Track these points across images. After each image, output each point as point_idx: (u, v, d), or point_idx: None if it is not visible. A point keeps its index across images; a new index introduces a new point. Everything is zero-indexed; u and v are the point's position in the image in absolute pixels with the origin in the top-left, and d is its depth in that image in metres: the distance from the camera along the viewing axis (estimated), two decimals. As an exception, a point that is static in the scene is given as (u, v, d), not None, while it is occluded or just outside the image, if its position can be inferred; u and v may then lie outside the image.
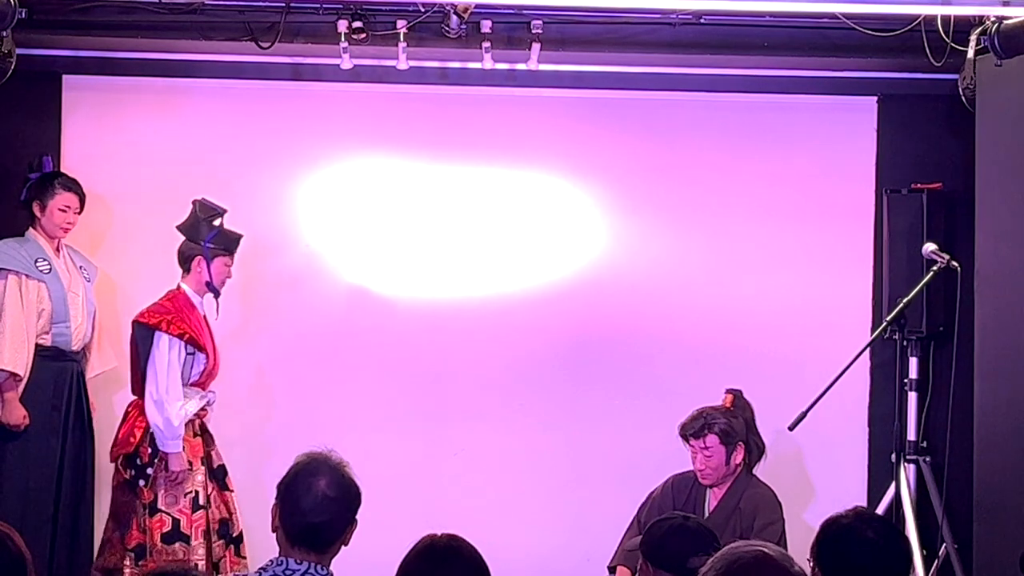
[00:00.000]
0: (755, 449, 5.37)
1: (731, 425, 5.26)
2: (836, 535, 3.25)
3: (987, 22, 5.18)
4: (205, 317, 5.62)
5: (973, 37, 5.38)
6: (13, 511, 5.41)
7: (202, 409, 5.60)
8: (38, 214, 5.70)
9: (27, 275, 5.61)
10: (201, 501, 5.47)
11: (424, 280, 6.33)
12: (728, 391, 5.47)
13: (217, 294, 5.62)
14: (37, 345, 5.61)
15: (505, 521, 6.10)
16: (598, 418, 6.18)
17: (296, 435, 5.80)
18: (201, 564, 5.38)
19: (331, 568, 3.29)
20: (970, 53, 5.42)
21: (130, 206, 6.20)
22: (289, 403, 5.92)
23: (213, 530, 5.51)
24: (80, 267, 5.82)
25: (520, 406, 6.31)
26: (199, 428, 5.60)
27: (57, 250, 5.75)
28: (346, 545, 3.31)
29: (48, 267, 5.66)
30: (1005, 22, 5.02)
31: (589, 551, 6.12)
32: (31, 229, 5.73)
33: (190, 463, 5.48)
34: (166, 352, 5.44)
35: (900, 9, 5.41)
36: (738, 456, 5.27)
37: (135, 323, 5.53)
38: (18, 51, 5.66)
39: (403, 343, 6.31)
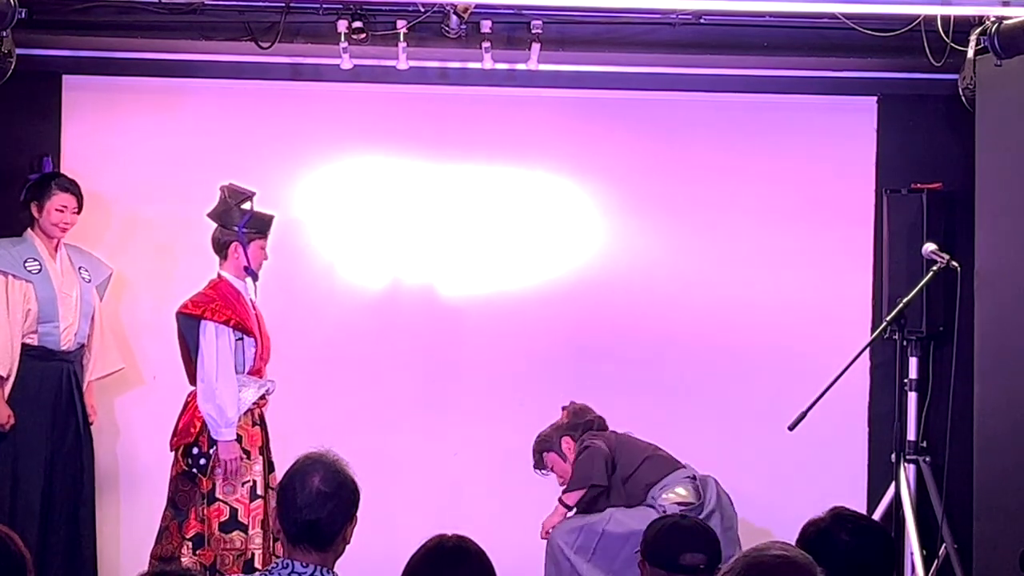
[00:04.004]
0: (589, 425, 5.66)
1: (545, 437, 5.68)
2: (813, 539, 3.27)
3: (987, 22, 5.19)
4: (251, 301, 5.61)
5: (973, 37, 5.38)
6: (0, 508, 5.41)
7: (261, 398, 5.57)
8: (36, 215, 5.69)
9: (13, 275, 5.59)
10: (259, 491, 5.47)
11: (424, 280, 6.33)
12: (563, 407, 5.77)
13: (256, 277, 5.60)
14: (24, 344, 5.60)
15: (506, 521, 6.09)
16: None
17: (296, 435, 5.78)
18: (258, 553, 5.39)
19: (335, 570, 3.29)
20: (970, 53, 5.42)
21: (130, 206, 6.20)
22: (288, 403, 5.91)
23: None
24: (79, 268, 5.80)
25: (520, 405, 6.31)
26: (258, 418, 5.57)
27: (55, 250, 5.74)
28: (348, 543, 3.30)
29: (38, 267, 5.64)
30: (1005, 22, 5.02)
31: (589, 551, 6.12)
32: (29, 230, 5.73)
33: (248, 452, 5.46)
34: (213, 340, 5.41)
35: (900, 9, 5.41)
36: (567, 449, 5.61)
37: (178, 315, 5.48)
38: (18, 51, 5.67)
39: (403, 342, 6.31)
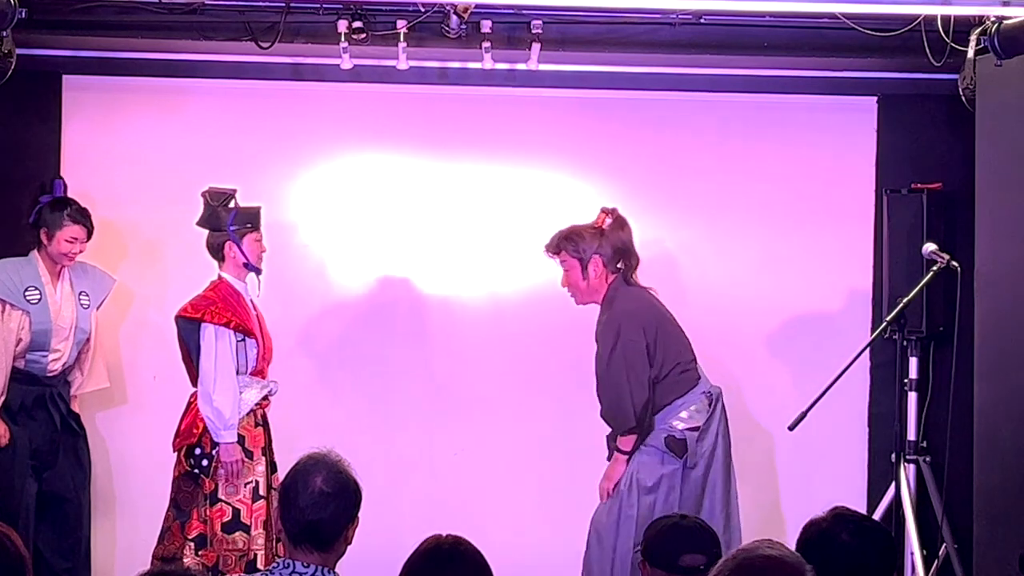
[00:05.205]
0: (627, 262, 5.43)
1: (581, 238, 5.35)
2: (814, 539, 3.29)
3: (987, 22, 5.18)
4: (252, 301, 5.61)
5: (973, 37, 5.38)
6: None
7: (264, 399, 5.57)
8: (45, 241, 5.65)
9: (12, 304, 5.57)
10: (261, 491, 5.46)
11: (424, 280, 6.33)
12: (603, 209, 5.47)
13: (258, 271, 5.60)
14: (12, 368, 5.58)
15: (506, 521, 6.10)
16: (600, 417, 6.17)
17: (296, 435, 5.79)
18: (261, 554, 5.39)
19: (336, 571, 3.29)
20: (970, 53, 5.42)
21: (130, 207, 6.20)
22: (290, 403, 5.91)
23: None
24: (80, 293, 5.76)
25: (521, 405, 6.31)
26: (260, 418, 5.57)
27: (58, 276, 5.71)
28: (349, 544, 3.31)
29: (38, 297, 5.61)
30: (1005, 22, 5.01)
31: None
32: (35, 251, 5.69)
33: (250, 453, 5.46)
34: (213, 342, 5.40)
35: (900, 9, 5.41)
36: (594, 270, 5.35)
37: (178, 318, 5.48)
38: (18, 51, 5.65)
39: (404, 342, 6.31)
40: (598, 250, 5.35)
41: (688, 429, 5.27)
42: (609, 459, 5.44)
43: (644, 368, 5.27)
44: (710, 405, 5.34)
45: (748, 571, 2.59)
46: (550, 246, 5.45)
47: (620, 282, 5.41)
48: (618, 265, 5.41)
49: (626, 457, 5.29)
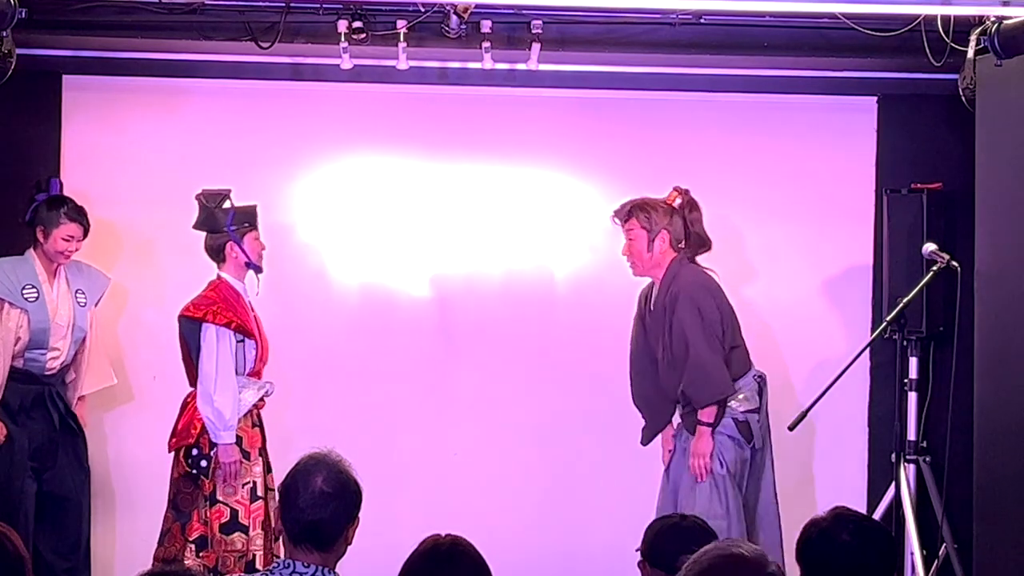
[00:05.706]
0: (696, 242, 5.50)
1: (654, 210, 5.43)
2: (815, 538, 3.30)
3: (987, 22, 5.18)
4: (250, 302, 5.61)
5: (973, 37, 5.38)
6: None
7: (260, 400, 5.57)
8: (41, 239, 5.63)
9: (10, 303, 5.57)
10: (259, 492, 5.47)
11: (424, 280, 6.33)
12: (675, 188, 5.54)
13: (259, 270, 5.61)
14: (10, 367, 5.58)
15: (505, 521, 6.10)
16: (600, 416, 6.18)
17: (295, 437, 5.80)
18: (259, 555, 5.39)
19: (336, 571, 3.29)
20: (970, 53, 5.42)
21: (130, 207, 6.20)
22: (287, 404, 5.92)
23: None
24: (76, 291, 5.75)
25: (521, 405, 6.31)
26: (257, 419, 5.58)
27: (54, 275, 5.70)
28: (350, 544, 3.31)
29: (36, 295, 5.60)
30: (1005, 22, 5.01)
31: (591, 551, 6.12)
32: (31, 250, 5.69)
33: (248, 454, 5.47)
34: (214, 343, 5.40)
35: (900, 9, 5.41)
36: (660, 244, 5.42)
37: (181, 318, 5.48)
38: (18, 51, 5.65)
39: (404, 342, 6.31)
40: (668, 226, 5.45)
41: (746, 412, 5.36)
42: (644, 444, 5.57)
43: (721, 338, 5.38)
44: (760, 389, 5.43)
45: (714, 571, 2.61)
46: (620, 213, 5.51)
47: (683, 259, 5.48)
48: (680, 245, 5.48)
49: (710, 430, 5.33)
